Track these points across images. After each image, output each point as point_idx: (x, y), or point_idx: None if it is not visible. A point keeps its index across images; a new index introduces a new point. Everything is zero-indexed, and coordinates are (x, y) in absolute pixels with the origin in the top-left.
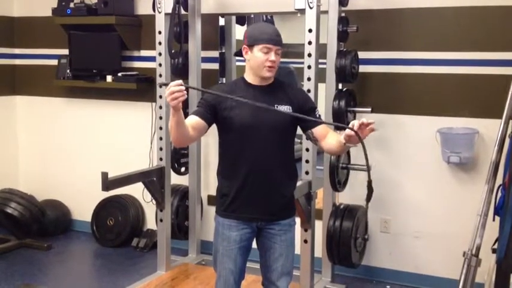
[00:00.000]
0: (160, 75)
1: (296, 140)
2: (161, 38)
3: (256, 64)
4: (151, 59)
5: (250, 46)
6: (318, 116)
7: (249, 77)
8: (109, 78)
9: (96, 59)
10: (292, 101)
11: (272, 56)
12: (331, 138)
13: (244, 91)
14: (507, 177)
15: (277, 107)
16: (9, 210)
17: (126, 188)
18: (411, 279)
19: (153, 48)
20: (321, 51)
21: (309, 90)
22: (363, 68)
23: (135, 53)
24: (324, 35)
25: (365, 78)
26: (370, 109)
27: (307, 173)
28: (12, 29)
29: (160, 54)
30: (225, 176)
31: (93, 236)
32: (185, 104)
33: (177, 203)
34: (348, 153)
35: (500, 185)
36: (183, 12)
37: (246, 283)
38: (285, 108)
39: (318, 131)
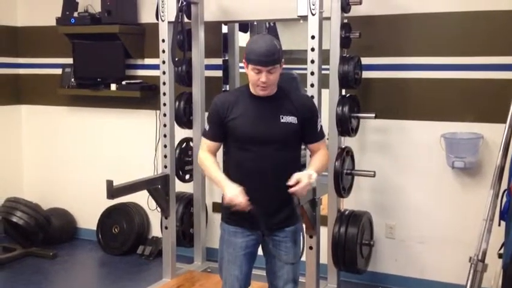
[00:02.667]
0: (164, 83)
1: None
2: (165, 46)
3: (250, 82)
4: (155, 67)
5: (246, 62)
6: (319, 128)
7: (252, 89)
8: (113, 86)
9: (100, 68)
10: (297, 111)
11: (263, 77)
12: (313, 158)
13: (248, 102)
14: None
15: (282, 117)
16: (14, 219)
17: (131, 196)
18: (417, 285)
19: (157, 56)
20: (324, 57)
21: (312, 97)
22: (366, 74)
23: (139, 61)
24: (327, 41)
25: (368, 84)
26: (373, 115)
27: None
28: (16, 38)
29: (164, 62)
30: None
31: (99, 244)
32: (189, 112)
33: (182, 210)
34: (353, 159)
35: (505, 190)
36: (186, 20)
37: None
38: (290, 119)
39: (311, 147)
